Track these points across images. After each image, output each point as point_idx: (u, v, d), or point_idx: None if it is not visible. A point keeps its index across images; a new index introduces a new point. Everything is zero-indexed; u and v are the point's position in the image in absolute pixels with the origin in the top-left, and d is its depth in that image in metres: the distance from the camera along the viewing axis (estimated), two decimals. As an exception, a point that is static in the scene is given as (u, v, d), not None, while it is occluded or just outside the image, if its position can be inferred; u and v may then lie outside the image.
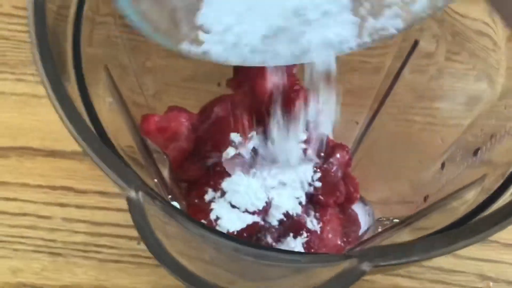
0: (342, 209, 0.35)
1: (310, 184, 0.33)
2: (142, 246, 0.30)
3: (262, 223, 0.31)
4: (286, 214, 0.31)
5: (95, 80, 0.26)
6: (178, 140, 0.31)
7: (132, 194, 0.17)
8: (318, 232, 0.32)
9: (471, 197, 0.24)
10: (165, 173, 0.27)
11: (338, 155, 0.34)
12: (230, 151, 0.31)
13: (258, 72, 0.32)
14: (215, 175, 0.31)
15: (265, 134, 0.32)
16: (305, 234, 0.32)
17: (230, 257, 0.18)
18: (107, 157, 0.17)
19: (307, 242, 0.32)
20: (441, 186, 0.31)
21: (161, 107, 0.35)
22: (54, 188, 0.40)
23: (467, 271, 0.40)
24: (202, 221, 0.29)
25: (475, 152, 0.28)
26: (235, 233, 0.29)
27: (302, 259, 0.18)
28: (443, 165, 0.32)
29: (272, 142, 0.33)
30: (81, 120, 0.18)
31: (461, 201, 0.25)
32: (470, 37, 0.32)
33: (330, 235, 0.33)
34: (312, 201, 0.33)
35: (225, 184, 0.30)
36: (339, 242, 0.33)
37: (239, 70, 0.34)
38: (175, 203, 0.25)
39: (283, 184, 0.32)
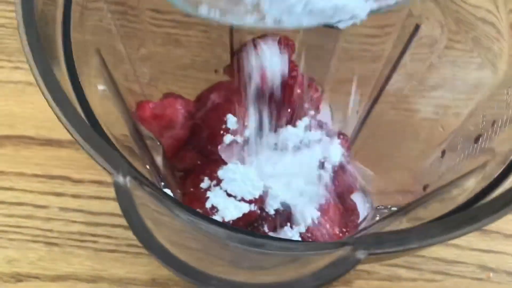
0: (341, 198, 0.35)
1: (308, 173, 0.32)
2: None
3: (259, 212, 0.30)
4: (284, 203, 0.31)
5: (87, 67, 0.25)
6: (174, 128, 0.31)
7: (120, 179, 0.17)
8: (316, 221, 0.32)
9: (471, 186, 0.24)
10: (159, 160, 0.27)
11: (337, 143, 0.34)
12: (227, 139, 0.30)
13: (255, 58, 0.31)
14: (211, 163, 0.30)
15: (263, 121, 0.32)
16: (302, 224, 0.32)
17: (222, 244, 0.17)
18: (93, 140, 0.17)
19: (304, 232, 0.31)
20: (441, 174, 0.30)
21: (158, 95, 0.34)
22: (50, 177, 0.40)
23: (468, 261, 0.39)
24: (198, 210, 0.29)
25: (476, 140, 0.28)
26: (231, 222, 0.29)
27: (296, 247, 0.18)
28: (443, 153, 0.31)
29: (269, 130, 0.32)
30: (67, 102, 0.18)
31: (461, 189, 0.24)
32: (474, 24, 0.31)
33: (328, 225, 0.33)
34: (311, 189, 0.33)
35: (221, 172, 0.30)
36: (337, 232, 0.33)
37: (237, 56, 0.34)
38: (167, 190, 0.25)
39: (281, 172, 0.31)
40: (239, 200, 0.29)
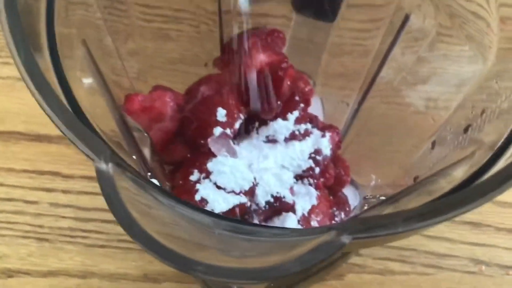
0: (332, 192, 0.35)
1: (299, 165, 0.32)
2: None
3: (249, 204, 0.30)
4: (274, 196, 0.31)
5: (72, 61, 0.25)
6: (163, 121, 0.31)
7: (102, 165, 0.16)
8: (306, 214, 0.32)
9: (459, 175, 0.24)
10: (146, 152, 0.27)
11: (328, 136, 0.34)
12: (217, 131, 0.30)
13: (245, 51, 0.31)
14: (201, 156, 0.30)
15: (252, 114, 0.32)
16: (293, 217, 0.31)
17: (205, 231, 0.17)
18: (75, 125, 0.17)
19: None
20: (432, 166, 0.30)
21: (147, 89, 0.34)
22: (40, 172, 0.40)
23: (460, 255, 0.39)
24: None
25: (466, 129, 0.27)
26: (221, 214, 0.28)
27: (281, 233, 0.18)
28: (433, 144, 0.31)
29: (260, 122, 0.32)
30: (48, 88, 0.18)
31: (449, 179, 0.24)
32: (467, 18, 0.31)
33: (318, 218, 0.32)
34: (301, 182, 0.33)
35: (211, 164, 0.29)
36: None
37: (226, 49, 0.34)
38: (154, 181, 0.24)
39: (271, 164, 0.31)
40: (229, 193, 0.29)
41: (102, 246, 0.38)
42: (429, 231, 0.39)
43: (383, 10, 0.35)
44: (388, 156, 0.36)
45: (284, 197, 0.31)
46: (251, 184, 0.30)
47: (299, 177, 0.33)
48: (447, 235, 0.39)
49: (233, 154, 0.31)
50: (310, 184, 0.33)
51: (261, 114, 0.32)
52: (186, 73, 0.37)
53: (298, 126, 0.33)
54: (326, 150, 0.33)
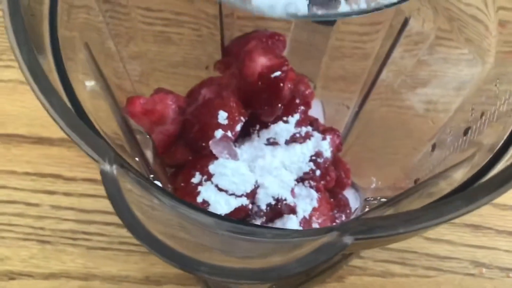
0: (333, 194, 0.35)
1: (299, 168, 0.32)
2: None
3: (251, 206, 0.30)
4: (275, 198, 0.31)
5: (75, 64, 0.25)
6: (165, 123, 0.31)
7: (106, 167, 0.17)
8: (307, 217, 0.32)
9: (459, 177, 0.24)
10: (149, 154, 0.27)
11: (329, 139, 0.34)
12: (218, 133, 0.30)
13: (246, 54, 0.31)
14: (202, 158, 0.30)
15: (254, 117, 0.32)
16: (294, 219, 0.31)
17: (207, 232, 0.17)
18: (80, 128, 0.17)
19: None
20: (432, 168, 0.30)
21: (149, 92, 0.34)
22: (42, 175, 0.40)
23: (461, 257, 0.39)
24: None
25: (465, 132, 0.28)
26: (222, 216, 0.28)
27: (283, 234, 0.18)
28: (433, 147, 0.31)
29: (261, 125, 0.32)
30: (52, 90, 0.18)
31: (449, 181, 0.24)
32: (466, 22, 0.31)
33: (319, 220, 0.33)
34: (302, 185, 0.33)
35: (212, 166, 0.30)
36: (329, 227, 0.32)
37: (227, 52, 0.34)
38: (157, 183, 0.25)
39: (273, 167, 0.31)
40: (231, 195, 0.29)
41: (103, 249, 0.38)
42: (429, 234, 0.40)
43: (382, 13, 0.35)
44: (389, 159, 0.36)
45: (285, 200, 0.31)
46: (253, 187, 0.30)
47: (300, 180, 0.33)
48: (448, 238, 0.40)
49: (234, 156, 0.31)
50: (311, 187, 0.33)
51: (262, 116, 0.32)
52: (188, 76, 0.37)
53: (299, 129, 0.33)
54: (327, 152, 0.33)
